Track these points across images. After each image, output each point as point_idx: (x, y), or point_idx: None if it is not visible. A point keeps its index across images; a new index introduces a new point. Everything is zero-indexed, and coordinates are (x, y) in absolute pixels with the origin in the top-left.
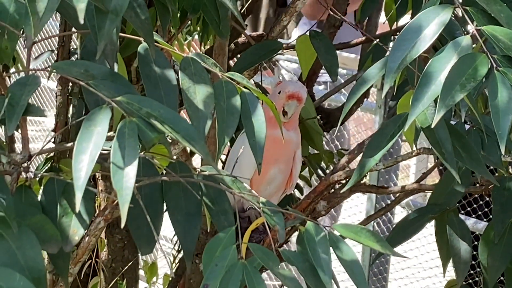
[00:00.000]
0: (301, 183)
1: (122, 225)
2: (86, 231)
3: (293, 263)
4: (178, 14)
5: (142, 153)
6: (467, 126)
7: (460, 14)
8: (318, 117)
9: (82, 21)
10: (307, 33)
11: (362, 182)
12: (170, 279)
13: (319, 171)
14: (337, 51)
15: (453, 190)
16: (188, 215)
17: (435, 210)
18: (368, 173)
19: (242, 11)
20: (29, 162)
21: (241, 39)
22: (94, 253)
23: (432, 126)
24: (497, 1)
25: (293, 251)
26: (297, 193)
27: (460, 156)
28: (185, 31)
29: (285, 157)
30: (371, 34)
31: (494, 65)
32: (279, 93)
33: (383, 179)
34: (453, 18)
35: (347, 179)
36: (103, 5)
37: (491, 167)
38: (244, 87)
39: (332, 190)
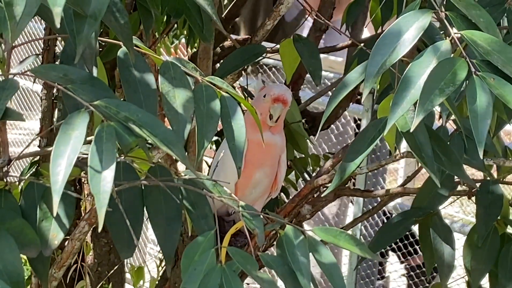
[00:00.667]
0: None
1: (99, 229)
2: (68, 235)
3: (272, 267)
4: (164, 18)
5: (123, 157)
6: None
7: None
8: (304, 120)
9: (58, 25)
10: (291, 37)
11: (346, 185)
12: (157, 282)
13: (305, 175)
14: (325, 55)
15: (437, 193)
16: (168, 219)
17: (419, 214)
18: (357, 176)
19: (225, 15)
20: (8, 166)
21: (227, 42)
22: (80, 257)
23: (411, 130)
24: (476, 6)
25: (272, 255)
26: (284, 197)
27: (440, 160)
28: (172, 35)
29: (270, 161)
30: (356, 38)
31: (473, 70)
32: (264, 96)
33: (370, 183)
34: (433, 22)
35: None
36: (81, 9)
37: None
38: (225, 91)
39: (318, 193)
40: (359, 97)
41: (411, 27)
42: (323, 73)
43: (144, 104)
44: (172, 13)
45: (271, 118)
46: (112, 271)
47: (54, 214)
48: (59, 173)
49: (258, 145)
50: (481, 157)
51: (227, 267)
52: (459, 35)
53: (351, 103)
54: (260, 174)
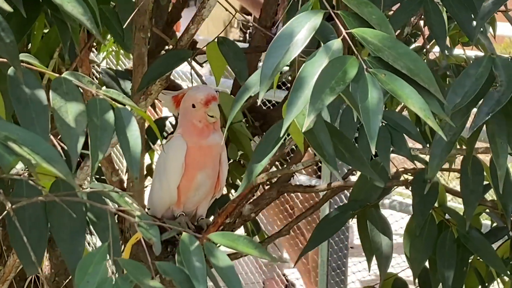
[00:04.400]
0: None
1: None
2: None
3: (169, 274)
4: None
5: (26, 174)
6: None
7: None
8: (252, 118)
9: None
10: (216, 40)
11: (289, 182)
12: None
13: None
14: None
15: (373, 185)
16: (72, 233)
17: (356, 206)
18: (323, 172)
19: (166, 19)
20: None
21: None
22: None
23: (303, 130)
24: (368, 3)
25: (169, 263)
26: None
27: (343, 156)
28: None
29: (211, 163)
30: None
31: (365, 67)
32: (193, 106)
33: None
34: (326, 22)
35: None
36: None
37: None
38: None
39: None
40: None
41: (303, 27)
42: None
43: (35, 121)
44: None
45: (212, 116)
46: (68, 279)
47: None
48: None
49: (199, 149)
50: (373, 152)
51: (121, 279)
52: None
53: None
54: (202, 176)
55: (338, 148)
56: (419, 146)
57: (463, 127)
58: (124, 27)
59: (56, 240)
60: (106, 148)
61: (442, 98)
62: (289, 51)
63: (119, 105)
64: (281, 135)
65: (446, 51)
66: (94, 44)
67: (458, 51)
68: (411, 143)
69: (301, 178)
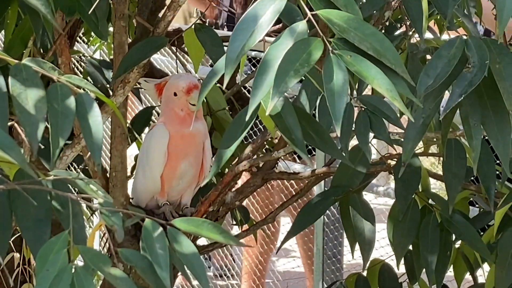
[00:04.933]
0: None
1: None
2: None
3: (131, 262)
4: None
5: None
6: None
7: None
8: (239, 105)
9: None
10: (193, 26)
11: (273, 169)
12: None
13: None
14: None
15: (355, 171)
16: (37, 222)
17: (338, 192)
18: (315, 161)
19: (151, 8)
20: None
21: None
22: (21, 261)
23: (267, 113)
24: None
25: (132, 250)
26: None
27: (313, 140)
28: None
29: (194, 151)
30: None
31: (330, 49)
32: (175, 95)
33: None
34: (292, 4)
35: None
36: None
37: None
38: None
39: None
40: None
41: (267, 10)
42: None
43: None
44: (65, 11)
45: (194, 104)
46: None
47: None
48: None
49: (181, 137)
50: (338, 134)
51: (80, 267)
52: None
53: None
54: (185, 165)
55: (307, 132)
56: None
57: (437, 109)
58: (98, 15)
59: (20, 228)
60: (67, 134)
61: (409, 78)
62: (253, 34)
63: (80, 91)
64: (246, 119)
65: (424, 34)
66: (81, 35)
67: (445, 36)
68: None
69: (296, 167)
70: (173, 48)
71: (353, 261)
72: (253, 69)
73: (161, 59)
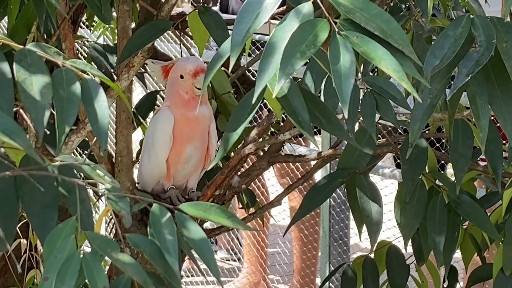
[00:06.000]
0: None
1: None
2: None
3: (140, 247)
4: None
5: None
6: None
7: None
8: (244, 89)
9: None
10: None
11: (278, 152)
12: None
13: None
14: None
15: (362, 153)
16: (44, 207)
17: (345, 174)
18: (320, 144)
19: None
20: None
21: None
22: (28, 247)
23: (273, 96)
24: None
25: (140, 235)
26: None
27: (319, 122)
28: None
29: (199, 134)
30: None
31: (336, 30)
32: (182, 77)
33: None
34: None
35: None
36: None
37: None
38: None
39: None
40: None
41: None
42: (263, 36)
43: (0, 95)
44: None
45: (202, 90)
46: None
47: None
48: None
49: (186, 121)
50: (346, 116)
51: (89, 253)
52: None
53: None
54: (190, 149)
55: (314, 114)
56: None
57: (444, 90)
58: None
59: (27, 214)
60: (73, 120)
61: (417, 59)
62: (259, 16)
63: (86, 76)
64: (253, 102)
65: (429, 14)
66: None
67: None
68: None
69: (301, 150)
70: (177, 32)
71: (360, 243)
72: (257, 52)
73: (165, 45)
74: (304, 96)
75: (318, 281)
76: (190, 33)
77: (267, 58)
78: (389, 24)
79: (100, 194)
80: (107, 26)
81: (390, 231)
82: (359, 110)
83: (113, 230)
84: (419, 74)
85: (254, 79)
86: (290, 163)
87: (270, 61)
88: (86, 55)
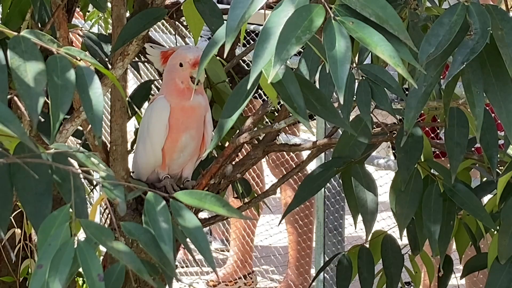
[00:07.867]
0: None
1: None
2: None
3: (134, 235)
4: None
5: None
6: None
7: None
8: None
9: None
10: None
11: (273, 141)
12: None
13: None
14: None
15: (357, 141)
16: (38, 195)
17: (340, 163)
18: (315, 134)
19: None
20: None
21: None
22: (22, 236)
23: (269, 81)
24: None
25: (135, 223)
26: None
27: (315, 108)
28: None
29: (195, 123)
30: None
31: (332, 15)
32: (181, 65)
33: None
34: None
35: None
36: None
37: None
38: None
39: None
40: None
41: None
42: (258, 27)
43: None
44: None
45: (195, 81)
46: None
47: None
48: None
49: (181, 110)
50: (342, 102)
51: (83, 241)
52: None
53: None
54: (186, 138)
55: (309, 100)
56: None
57: (439, 77)
58: None
59: (21, 202)
60: (67, 107)
61: (412, 45)
62: (254, 1)
63: (80, 63)
64: (248, 88)
65: (424, 3)
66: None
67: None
68: None
69: (296, 140)
70: (172, 22)
71: (354, 234)
72: (252, 43)
73: (160, 35)
74: (299, 82)
75: (313, 271)
76: (185, 23)
77: (262, 43)
78: (385, 10)
79: (95, 182)
80: (100, 16)
81: (385, 222)
82: (354, 98)
83: (108, 220)
84: (415, 60)
85: (248, 69)
86: (285, 154)
87: (266, 47)
88: (80, 46)
